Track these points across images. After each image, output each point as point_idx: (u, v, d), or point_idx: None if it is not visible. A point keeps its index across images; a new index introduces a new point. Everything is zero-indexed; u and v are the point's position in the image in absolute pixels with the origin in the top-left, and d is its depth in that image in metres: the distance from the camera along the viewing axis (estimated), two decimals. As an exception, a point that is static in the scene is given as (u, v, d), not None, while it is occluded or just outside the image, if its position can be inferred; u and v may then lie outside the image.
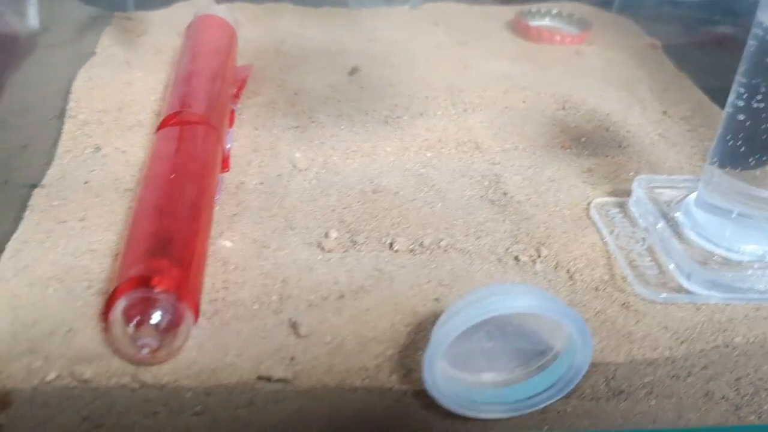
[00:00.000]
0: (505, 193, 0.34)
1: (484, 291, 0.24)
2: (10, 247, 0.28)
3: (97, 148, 0.34)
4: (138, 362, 0.24)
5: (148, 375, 0.24)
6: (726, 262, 0.29)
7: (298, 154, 0.36)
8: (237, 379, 0.24)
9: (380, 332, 0.26)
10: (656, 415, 0.28)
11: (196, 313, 0.25)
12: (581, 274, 0.30)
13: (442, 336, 0.24)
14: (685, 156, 0.38)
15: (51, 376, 0.23)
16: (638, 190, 0.33)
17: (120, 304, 0.24)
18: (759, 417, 0.28)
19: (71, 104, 0.37)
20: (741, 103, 0.29)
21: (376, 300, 0.27)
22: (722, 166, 0.30)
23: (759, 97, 0.28)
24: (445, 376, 0.25)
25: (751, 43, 0.28)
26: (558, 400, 0.25)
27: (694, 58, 0.48)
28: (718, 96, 0.44)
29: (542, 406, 0.25)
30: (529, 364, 0.26)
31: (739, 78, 0.29)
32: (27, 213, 0.30)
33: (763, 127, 0.28)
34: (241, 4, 0.51)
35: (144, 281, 0.24)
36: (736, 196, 0.30)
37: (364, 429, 0.25)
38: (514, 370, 0.26)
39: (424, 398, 0.25)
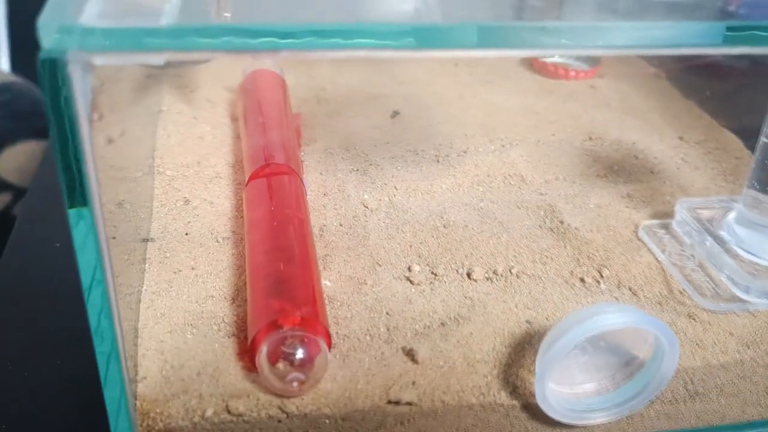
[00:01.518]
0: (561, 222, 0.37)
1: (584, 312, 0.27)
2: (145, 298, 0.30)
3: (187, 201, 0.37)
4: (288, 395, 0.26)
5: (293, 406, 0.26)
6: (763, 271, 0.32)
7: (366, 196, 0.39)
8: (370, 405, 0.27)
9: (485, 354, 0.29)
10: (724, 412, 0.31)
11: (329, 344, 0.27)
12: (643, 291, 0.33)
13: (554, 353, 0.26)
14: (708, 177, 0.42)
15: (209, 412, 0.25)
16: (682, 211, 0.36)
17: (264, 348, 0.26)
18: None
19: (157, 161, 0.39)
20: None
21: (475, 325, 0.30)
22: (761, 188, 0.33)
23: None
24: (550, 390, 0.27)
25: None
26: (648, 403, 0.28)
27: (694, 85, 0.52)
28: (725, 119, 0.48)
29: (635, 410, 0.28)
30: (618, 374, 0.29)
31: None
32: (147, 266, 0.32)
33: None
34: (269, 61, 0.53)
35: (280, 321, 0.27)
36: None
37: (480, 441, 0.28)
38: (605, 381, 0.29)
39: (531, 411, 0.28)
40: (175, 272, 0.32)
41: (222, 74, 0.50)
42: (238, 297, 0.31)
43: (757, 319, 0.31)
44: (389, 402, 0.27)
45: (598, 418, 0.28)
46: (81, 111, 0.18)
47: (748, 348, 0.30)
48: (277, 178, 0.35)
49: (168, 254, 0.33)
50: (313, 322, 0.27)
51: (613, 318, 0.26)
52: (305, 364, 0.26)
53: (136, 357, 0.27)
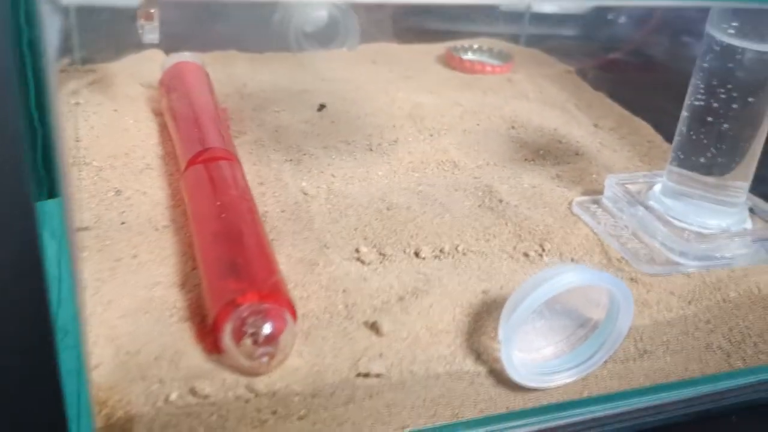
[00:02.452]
0: (500, 201, 0.37)
1: (542, 275, 0.27)
2: (89, 285, 0.28)
3: (118, 191, 0.35)
4: (258, 373, 0.25)
5: (261, 384, 0.25)
6: (698, 237, 0.34)
7: (304, 183, 0.38)
8: (339, 379, 0.26)
9: (446, 324, 0.29)
10: (669, 370, 0.32)
11: (294, 316, 0.26)
12: (584, 261, 0.34)
13: (519, 316, 0.26)
14: (626, 158, 0.44)
15: (173, 396, 0.24)
16: (612, 186, 0.37)
17: (228, 327, 0.25)
18: (744, 362, 0.33)
19: (82, 152, 0.36)
20: (691, 112, 0.34)
21: (433, 298, 0.29)
22: (681, 161, 0.35)
23: (706, 104, 0.33)
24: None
25: (704, 62, 0.33)
26: (604, 361, 0.29)
27: (601, 78, 0.55)
28: (632, 107, 0.50)
29: (594, 368, 0.29)
30: (573, 337, 0.29)
31: (691, 89, 0.34)
32: (86, 254, 0.30)
33: (712, 128, 0.33)
34: (188, 54, 0.52)
35: (239, 300, 0.25)
36: (693, 184, 0.35)
37: (447, 408, 0.28)
38: (561, 344, 0.29)
39: (495, 376, 0.28)
40: (116, 260, 0.30)
41: (137, 72, 0.48)
42: (188, 283, 0.29)
43: (693, 279, 0.33)
44: (358, 374, 0.26)
45: (561, 379, 0.28)
46: (50, 64, 0.17)
47: (690, 304, 0.31)
48: (216, 163, 0.34)
49: (107, 242, 0.31)
50: (275, 294, 0.26)
51: (573, 276, 0.27)
52: (273, 338, 0.25)
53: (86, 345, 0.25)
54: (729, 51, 0.32)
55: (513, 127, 0.46)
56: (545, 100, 0.51)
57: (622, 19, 0.63)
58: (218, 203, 0.31)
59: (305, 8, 0.55)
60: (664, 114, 0.50)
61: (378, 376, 0.26)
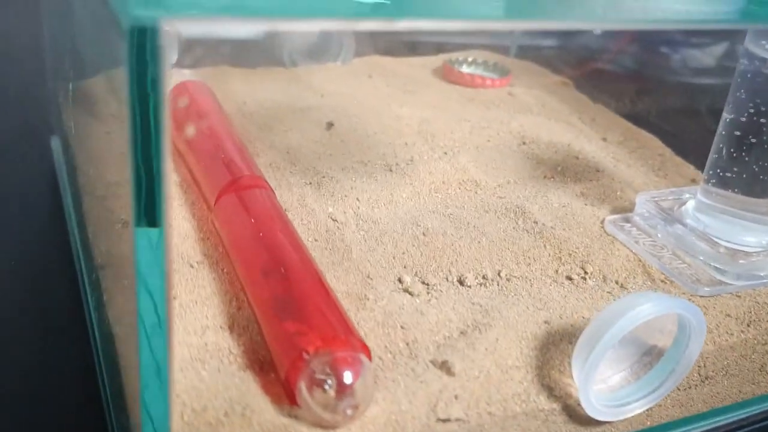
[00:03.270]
0: (535, 222, 0.36)
1: (616, 307, 0.26)
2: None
3: (125, 224, 0.32)
4: (339, 426, 0.23)
5: (343, 438, 0.23)
6: (741, 255, 0.33)
7: (330, 209, 0.36)
8: (420, 426, 0.24)
9: (515, 359, 0.27)
10: (725, 393, 0.31)
11: (369, 357, 0.24)
12: (629, 283, 0.33)
13: (596, 356, 0.25)
14: (642, 173, 0.43)
15: (254, 456, 0.22)
16: (644, 204, 0.37)
17: (303, 383, 0.23)
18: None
19: (96, 180, 0.33)
20: (731, 129, 0.34)
21: (498, 331, 0.28)
22: (718, 178, 0.34)
23: (747, 121, 0.33)
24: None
25: (740, 78, 0.33)
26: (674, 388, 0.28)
27: (595, 89, 0.54)
28: (633, 119, 0.50)
29: (664, 396, 0.28)
30: (636, 365, 0.28)
31: (729, 105, 0.34)
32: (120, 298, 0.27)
33: (752, 146, 0.33)
34: (179, 70, 0.49)
35: (310, 349, 0.23)
36: (731, 202, 0.34)
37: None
38: (624, 373, 0.28)
39: (569, 412, 0.27)
40: (153, 304, 0.27)
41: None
42: (236, 325, 0.27)
43: (744, 299, 0.32)
44: (439, 419, 0.24)
45: (634, 410, 0.27)
46: (165, 98, 0.15)
47: (749, 327, 0.30)
48: (250, 191, 0.31)
49: (140, 285, 0.28)
50: (348, 337, 0.24)
51: (651, 308, 0.26)
52: (354, 387, 0.23)
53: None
54: (760, 64, 0.32)
55: (524, 143, 0.45)
56: (549, 113, 0.50)
57: (599, 30, 0.63)
58: (261, 234, 0.29)
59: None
60: (666, 124, 0.50)
61: (458, 420, 0.25)
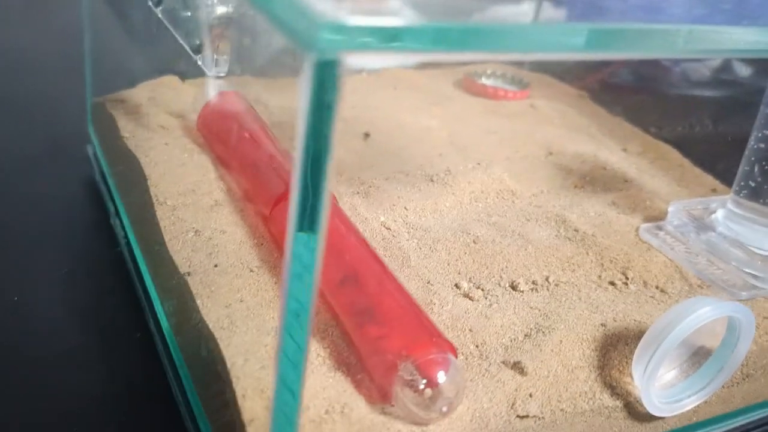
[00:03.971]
0: (576, 230, 0.38)
1: (676, 312, 0.28)
2: (215, 334, 0.26)
3: (198, 232, 0.33)
4: (433, 422, 0.24)
5: (435, 434, 0.25)
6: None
7: (383, 218, 0.37)
8: (502, 422, 0.26)
9: (578, 360, 0.29)
10: (761, 391, 0.33)
11: (455, 355, 0.26)
12: (669, 288, 0.35)
13: (658, 358, 0.27)
14: (665, 183, 0.46)
15: (356, 451, 0.23)
16: (676, 213, 0.39)
17: (399, 386, 0.24)
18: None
19: (153, 190, 0.35)
20: (761, 143, 0.36)
21: (560, 333, 0.30)
22: (750, 189, 0.37)
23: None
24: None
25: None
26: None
27: (610, 101, 0.57)
28: (649, 131, 0.53)
29: (714, 392, 0.30)
30: (686, 364, 0.31)
31: (761, 120, 0.36)
32: (199, 302, 0.28)
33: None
34: (221, 81, 0.50)
35: (405, 353, 0.25)
36: (760, 211, 0.37)
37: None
38: (675, 371, 0.30)
39: (629, 410, 0.29)
40: (226, 306, 0.29)
41: (158, 100, 0.46)
42: (318, 331, 0.28)
43: (778, 302, 0.35)
44: (518, 416, 0.26)
45: (687, 405, 0.29)
46: (336, 121, 0.17)
47: (787, 330, 0.33)
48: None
49: (211, 288, 0.30)
50: (437, 340, 0.26)
51: (710, 311, 0.28)
52: (448, 386, 0.24)
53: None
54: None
55: (551, 154, 0.48)
56: (570, 125, 0.52)
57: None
58: (330, 241, 0.30)
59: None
60: (679, 135, 0.53)
61: (534, 417, 0.26)
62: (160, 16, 0.38)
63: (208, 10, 0.33)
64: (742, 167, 0.37)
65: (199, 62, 0.35)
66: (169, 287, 0.31)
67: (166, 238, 0.32)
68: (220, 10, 0.33)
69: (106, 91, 0.47)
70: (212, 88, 0.42)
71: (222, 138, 0.39)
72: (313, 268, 0.18)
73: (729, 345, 0.30)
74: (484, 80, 0.57)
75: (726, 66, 0.68)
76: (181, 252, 0.31)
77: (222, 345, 0.26)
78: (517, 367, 0.28)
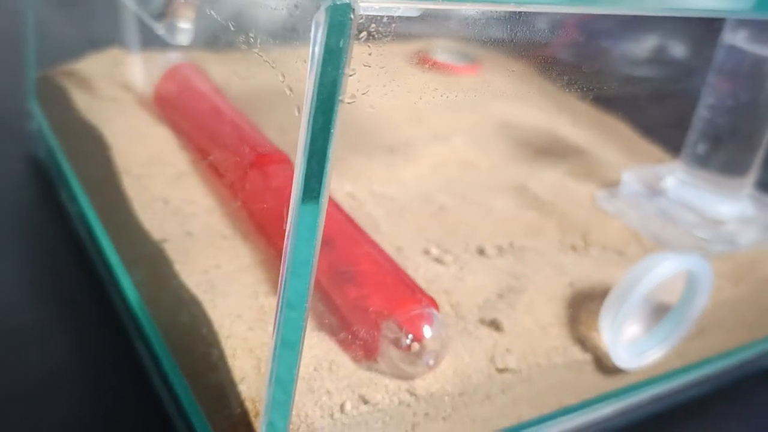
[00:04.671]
0: (536, 198, 0.40)
1: (640, 268, 0.30)
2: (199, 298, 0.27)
3: (166, 201, 0.33)
4: (418, 375, 0.25)
5: (421, 389, 0.26)
6: (720, 223, 0.38)
7: (348, 188, 0.38)
8: (482, 376, 0.27)
9: (549, 317, 0.31)
10: (714, 345, 0.36)
11: (437, 308, 0.27)
12: (627, 251, 0.37)
13: (624, 312, 0.29)
14: (616, 154, 0.48)
15: (348, 406, 0.24)
16: (630, 180, 0.41)
17: (386, 341, 0.25)
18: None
19: (117, 159, 0.35)
20: (708, 116, 0.39)
21: (531, 294, 0.31)
22: (696, 157, 0.39)
23: (722, 109, 0.38)
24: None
25: (717, 69, 0.38)
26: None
27: (559, 77, 0.59)
28: (599, 106, 0.55)
29: (675, 344, 0.32)
30: (649, 317, 0.33)
31: (706, 95, 0.39)
32: (177, 268, 0.29)
33: (725, 127, 0.38)
34: (176, 54, 0.49)
35: (388, 312, 0.26)
36: (706, 177, 0.39)
37: (553, 397, 0.30)
38: (636, 325, 0.32)
39: (597, 363, 0.31)
40: (204, 272, 0.29)
41: (109, 73, 0.45)
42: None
43: (727, 262, 0.37)
44: (497, 369, 0.27)
45: (651, 357, 0.31)
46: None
47: (735, 286, 0.35)
48: (279, 167, 0.34)
49: (188, 255, 0.30)
50: (419, 296, 0.27)
51: (673, 264, 0.30)
52: (434, 340, 0.25)
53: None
54: (740, 55, 0.37)
55: (506, 126, 0.49)
56: (521, 100, 0.54)
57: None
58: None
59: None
60: (624, 111, 0.55)
61: (512, 370, 0.28)
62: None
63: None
64: (690, 136, 0.40)
65: (160, 31, 0.35)
66: (138, 257, 0.31)
67: (136, 207, 0.32)
68: (187, -26, 0.33)
69: (52, 65, 0.46)
70: (166, 60, 0.41)
71: (183, 110, 0.39)
72: (314, 240, 0.19)
73: (688, 299, 0.32)
74: (438, 56, 0.58)
75: (660, 46, 0.72)
76: (152, 221, 0.31)
77: (207, 308, 0.26)
78: (494, 325, 0.29)
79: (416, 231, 0.36)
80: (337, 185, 0.38)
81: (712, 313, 0.34)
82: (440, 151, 0.43)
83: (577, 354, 0.30)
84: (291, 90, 0.20)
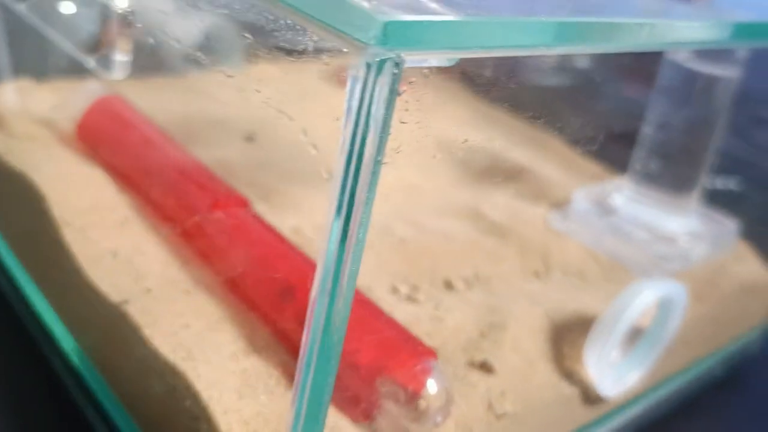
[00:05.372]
0: (493, 223, 0.39)
1: (621, 301, 0.30)
2: (180, 366, 0.25)
3: (115, 254, 0.30)
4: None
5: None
6: (674, 240, 0.39)
7: (292, 222, 0.36)
8: (484, 425, 0.26)
9: (534, 351, 0.30)
10: (682, 362, 0.37)
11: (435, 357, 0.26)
12: (588, 273, 0.38)
13: (609, 347, 0.29)
14: (555, 171, 0.48)
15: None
16: (580, 199, 0.42)
17: (388, 403, 0.24)
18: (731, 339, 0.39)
19: (56, 209, 0.31)
20: (653, 134, 0.40)
21: (513, 330, 0.31)
22: (641, 174, 0.40)
23: (668, 127, 0.39)
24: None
25: (662, 88, 0.39)
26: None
27: (484, 93, 0.59)
28: (528, 121, 0.55)
29: (651, 365, 0.32)
30: (623, 343, 0.33)
31: (652, 113, 0.40)
32: (147, 332, 0.26)
33: (671, 145, 0.39)
34: (94, 86, 0.46)
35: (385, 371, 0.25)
36: (653, 194, 0.40)
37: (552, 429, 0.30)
38: (619, 350, 0.33)
39: (584, 395, 0.31)
40: (172, 334, 0.27)
41: (17, 107, 0.42)
42: (261, 349, 0.27)
43: (686, 278, 0.38)
44: (497, 416, 0.27)
45: (630, 380, 0.32)
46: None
47: (699, 302, 0.36)
48: (236, 210, 0.32)
49: (152, 316, 0.27)
50: (416, 347, 0.25)
51: (651, 294, 0.30)
52: (439, 394, 0.24)
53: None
54: (683, 72, 0.38)
55: (442, 146, 0.49)
56: (452, 118, 0.53)
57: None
58: (269, 255, 0.29)
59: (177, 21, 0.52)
60: (555, 125, 0.56)
61: (511, 415, 0.27)
62: (25, 11, 0.34)
63: (109, 4, 0.30)
64: (636, 154, 0.41)
65: (90, 65, 0.32)
66: (88, 319, 0.28)
67: (83, 263, 0.29)
68: (123, 3, 0.30)
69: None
70: (88, 92, 0.38)
71: (117, 148, 0.36)
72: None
73: (661, 322, 0.32)
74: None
75: (568, 58, 0.74)
76: (104, 279, 0.28)
77: (190, 377, 0.24)
78: (484, 367, 0.28)
79: (379, 266, 0.34)
80: (279, 220, 0.36)
81: (680, 333, 0.35)
82: (383, 177, 0.42)
83: (566, 388, 0.30)
84: (316, 149, 0.19)
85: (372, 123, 0.17)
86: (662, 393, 0.36)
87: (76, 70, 0.41)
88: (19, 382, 0.30)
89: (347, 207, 0.18)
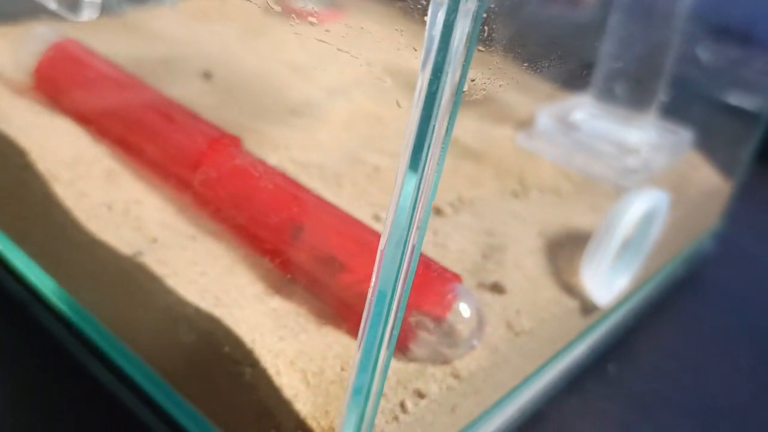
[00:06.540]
0: (465, 148, 0.40)
1: (613, 213, 0.32)
2: (217, 312, 0.24)
3: (109, 206, 0.29)
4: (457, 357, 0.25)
5: (464, 370, 0.25)
6: (638, 151, 0.41)
7: (273, 160, 0.36)
8: (509, 344, 0.27)
9: (535, 269, 0.32)
10: (653, 267, 0.39)
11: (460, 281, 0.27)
12: (564, 190, 0.39)
13: (606, 258, 0.31)
14: (509, 93, 0.49)
15: (409, 404, 0.23)
16: (544, 118, 0.43)
17: (425, 335, 0.25)
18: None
19: (41, 165, 0.29)
20: (613, 48, 0.41)
21: (513, 249, 0.32)
22: (601, 90, 0.42)
23: (625, 42, 0.40)
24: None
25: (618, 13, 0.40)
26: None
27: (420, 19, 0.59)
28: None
29: (636, 270, 0.34)
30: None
31: (610, 34, 0.41)
32: (170, 282, 0.26)
33: (627, 60, 0.41)
34: (44, 29, 0.42)
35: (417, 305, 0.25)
36: (613, 110, 0.42)
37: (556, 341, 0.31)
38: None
39: (583, 305, 0.32)
40: (191, 282, 0.26)
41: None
42: (279, 289, 0.27)
43: (654, 187, 0.40)
44: (516, 334, 0.28)
45: (618, 287, 0.33)
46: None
47: (671, 209, 0.38)
48: (234, 150, 0.31)
49: (169, 265, 0.27)
50: (441, 272, 0.26)
51: (642, 204, 0.32)
52: (474, 317, 0.25)
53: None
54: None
55: (393, 73, 0.48)
56: (396, 44, 0.53)
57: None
58: (273, 191, 0.29)
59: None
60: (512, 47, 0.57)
61: (528, 332, 0.28)
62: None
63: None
64: (596, 70, 0.42)
65: (52, 6, 0.30)
66: (95, 276, 0.27)
67: (82, 220, 0.27)
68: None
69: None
70: (38, 37, 0.36)
71: (85, 97, 0.34)
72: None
73: (645, 229, 0.34)
74: (300, 2, 0.55)
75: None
76: (107, 232, 0.27)
77: (228, 323, 0.24)
78: (496, 288, 0.30)
79: (360, 197, 0.34)
80: (261, 156, 0.36)
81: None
82: (344, 107, 0.42)
83: (568, 302, 0.31)
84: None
85: (457, 52, 0.17)
86: (639, 296, 0.38)
87: (30, 13, 0.39)
88: (13, 355, 0.29)
89: (428, 144, 0.18)
